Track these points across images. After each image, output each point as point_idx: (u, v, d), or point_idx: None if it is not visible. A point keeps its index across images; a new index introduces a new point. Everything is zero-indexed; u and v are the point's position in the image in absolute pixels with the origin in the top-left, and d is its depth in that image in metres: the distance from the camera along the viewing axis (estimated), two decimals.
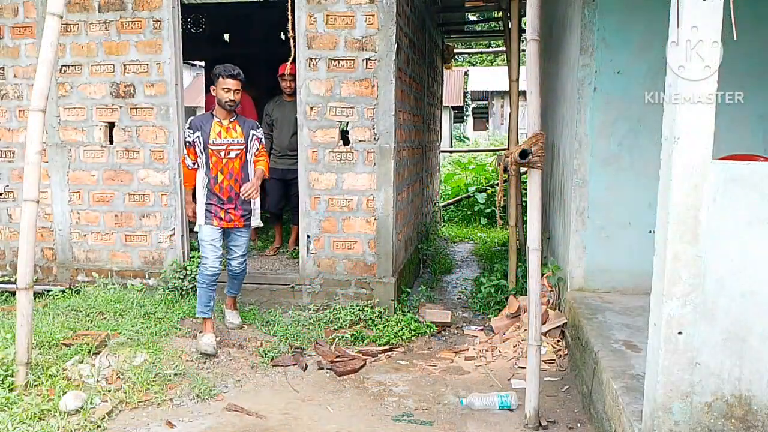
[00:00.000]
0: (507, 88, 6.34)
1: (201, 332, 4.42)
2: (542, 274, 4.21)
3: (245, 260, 4.68)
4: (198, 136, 4.34)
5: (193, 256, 5.45)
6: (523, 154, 3.41)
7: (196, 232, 4.52)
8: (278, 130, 6.01)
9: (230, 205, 4.41)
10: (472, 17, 11.12)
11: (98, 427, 3.36)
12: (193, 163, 4.40)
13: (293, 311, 5.18)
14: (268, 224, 6.55)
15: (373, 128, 5.04)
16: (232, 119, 4.40)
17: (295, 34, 4.97)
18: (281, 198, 6.18)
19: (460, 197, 11.50)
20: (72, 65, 5.35)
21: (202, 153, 4.35)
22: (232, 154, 4.38)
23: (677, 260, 2.32)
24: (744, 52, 3.59)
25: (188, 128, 4.37)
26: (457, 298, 6.19)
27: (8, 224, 5.64)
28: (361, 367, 4.33)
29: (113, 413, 3.52)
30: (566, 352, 4.41)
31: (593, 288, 4.50)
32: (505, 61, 8.08)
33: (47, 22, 3.52)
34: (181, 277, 5.24)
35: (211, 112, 4.43)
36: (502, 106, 26.76)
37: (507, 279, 5.75)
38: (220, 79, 4.25)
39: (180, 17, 5.28)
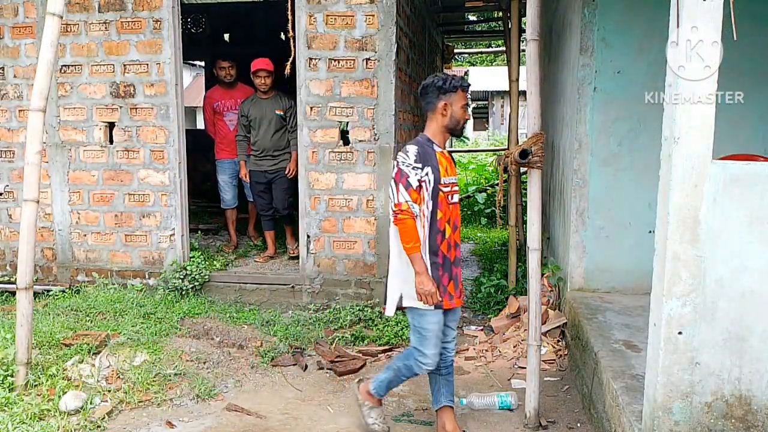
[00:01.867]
0: (507, 88, 6.34)
1: (368, 404, 3.39)
2: (542, 274, 4.21)
3: None
4: (428, 173, 3.04)
5: (193, 257, 5.46)
6: (523, 154, 3.41)
7: (400, 312, 3.26)
8: (257, 131, 5.76)
9: (457, 269, 3.20)
10: (472, 17, 11.12)
11: (98, 427, 3.36)
12: (419, 211, 3.06)
13: (293, 311, 5.18)
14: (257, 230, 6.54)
15: (373, 128, 5.04)
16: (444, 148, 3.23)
17: (294, 34, 4.97)
18: (269, 201, 5.95)
19: (460, 197, 11.49)
20: (72, 65, 5.35)
21: (430, 198, 3.06)
22: (456, 197, 3.20)
23: (677, 260, 2.31)
24: (744, 52, 3.59)
25: (416, 161, 3.01)
26: None
27: (8, 224, 5.65)
28: (361, 367, 4.33)
29: (113, 413, 3.52)
30: (566, 352, 4.41)
31: (593, 288, 4.50)
32: (505, 61, 8.08)
33: (47, 22, 3.51)
34: (181, 277, 5.24)
35: (427, 138, 3.15)
36: (502, 106, 26.75)
37: (507, 279, 5.75)
38: (459, 92, 3.08)
39: (180, 17, 5.28)
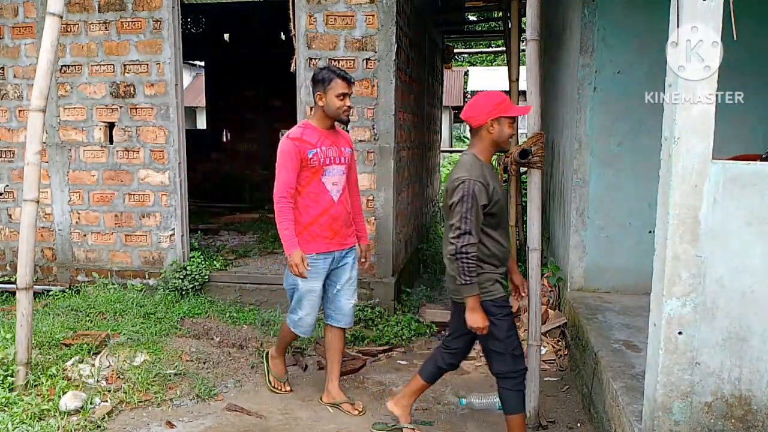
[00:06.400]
0: (507, 88, 6.34)
1: None
2: (542, 274, 4.21)
3: None
4: None
5: (193, 256, 5.45)
6: (523, 154, 3.41)
7: None
8: (496, 226, 3.07)
9: None
10: (472, 17, 11.12)
11: (98, 427, 3.36)
12: None
13: None
14: None
15: (373, 128, 5.04)
16: None
17: (295, 34, 4.96)
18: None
19: None
20: (72, 65, 5.35)
21: None
22: None
23: (677, 260, 2.31)
24: (744, 52, 3.59)
25: None
26: None
27: (8, 224, 5.64)
28: (361, 367, 4.33)
29: (113, 413, 3.52)
30: (566, 352, 4.41)
31: (593, 288, 4.50)
32: (505, 61, 8.08)
33: (47, 22, 3.51)
34: (181, 277, 5.23)
35: None
36: None
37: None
38: None
39: (180, 17, 5.28)
